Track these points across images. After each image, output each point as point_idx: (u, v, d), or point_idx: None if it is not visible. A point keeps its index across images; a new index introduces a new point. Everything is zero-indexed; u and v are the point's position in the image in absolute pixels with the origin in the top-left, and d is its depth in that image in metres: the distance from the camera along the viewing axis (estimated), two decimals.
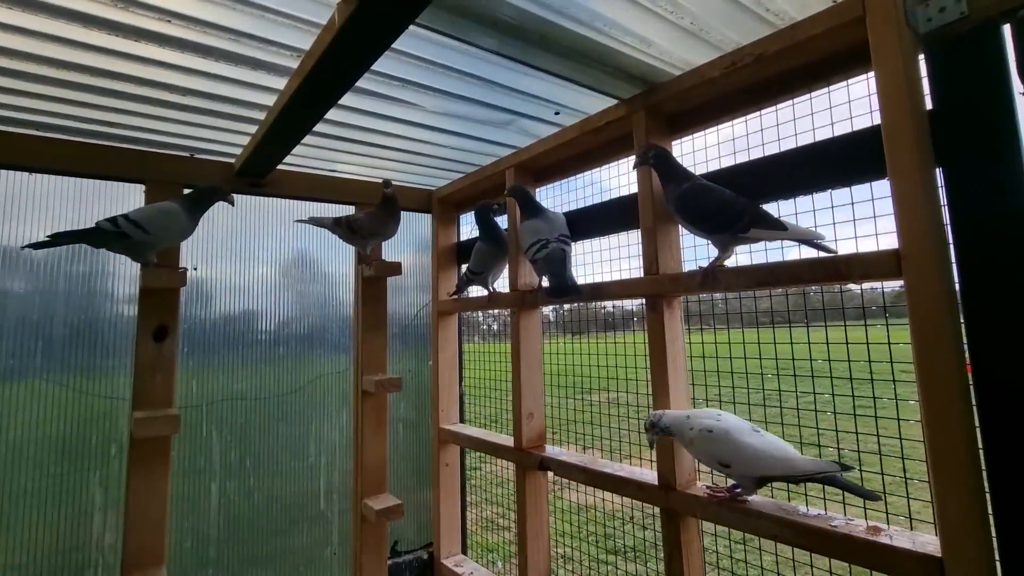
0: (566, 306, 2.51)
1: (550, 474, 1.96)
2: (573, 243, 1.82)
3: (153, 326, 1.76)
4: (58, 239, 1.50)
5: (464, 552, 2.54)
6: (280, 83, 1.46)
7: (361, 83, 1.49)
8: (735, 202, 1.32)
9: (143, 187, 1.80)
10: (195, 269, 1.99)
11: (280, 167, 2.00)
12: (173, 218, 1.61)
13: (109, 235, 1.54)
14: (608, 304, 2.15)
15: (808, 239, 1.23)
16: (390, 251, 2.44)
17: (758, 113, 1.46)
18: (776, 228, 1.25)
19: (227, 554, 2.00)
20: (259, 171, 1.95)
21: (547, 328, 2.32)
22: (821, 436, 1.34)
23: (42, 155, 1.65)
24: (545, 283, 1.85)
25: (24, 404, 1.68)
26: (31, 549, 1.65)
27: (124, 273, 1.86)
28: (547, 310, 2.28)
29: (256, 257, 2.17)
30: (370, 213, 2.05)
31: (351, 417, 2.31)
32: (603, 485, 1.69)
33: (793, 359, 1.36)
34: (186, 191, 1.76)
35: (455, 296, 2.42)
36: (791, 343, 1.36)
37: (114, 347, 1.83)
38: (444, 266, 2.56)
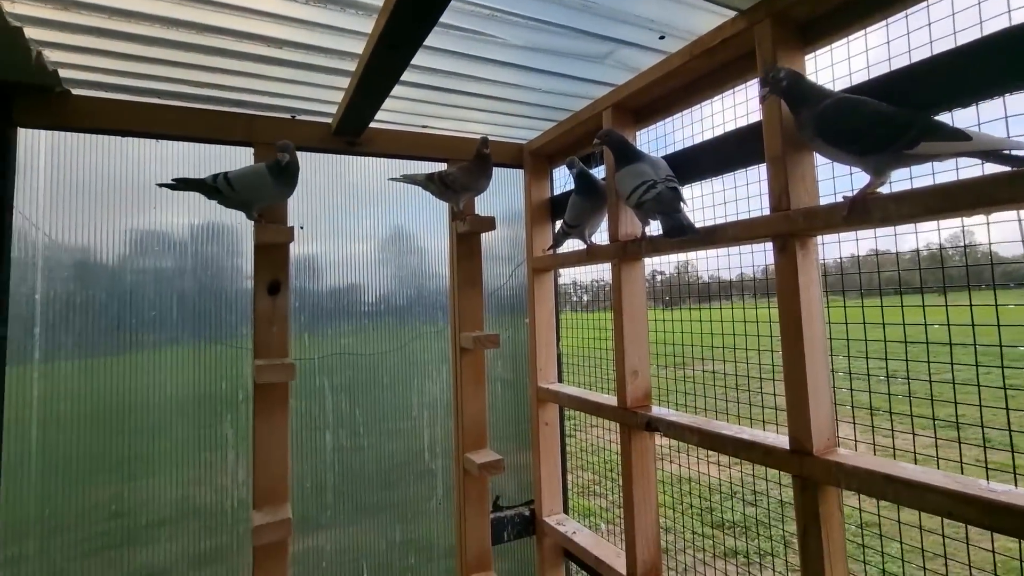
0: (658, 277, 2.34)
1: (657, 436, 1.84)
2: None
3: (267, 280, 1.86)
4: (180, 184, 1.68)
5: (565, 512, 2.52)
6: (369, 25, 1.42)
7: (447, 19, 1.41)
8: (896, 114, 1.07)
9: (252, 150, 1.89)
10: (302, 228, 2.07)
11: (374, 125, 2.01)
12: (260, 179, 1.68)
13: (210, 188, 1.67)
14: (703, 274, 1.95)
15: (1002, 149, 0.97)
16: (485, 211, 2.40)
17: (904, 13, 1.18)
18: (957, 139, 0.99)
19: (342, 499, 2.13)
20: (354, 129, 1.96)
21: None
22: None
23: (161, 121, 1.77)
24: (655, 228, 1.69)
25: (172, 362, 1.87)
26: (183, 484, 1.86)
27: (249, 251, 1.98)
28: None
29: (357, 233, 2.23)
30: (463, 167, 2.01)
31: (451, 374, 2.34)
32: (721, 448, 1.54)
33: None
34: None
35: (551, 251, 2.33)
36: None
37: (237, 304, 1.97)
38: (538, 221, 2.47)
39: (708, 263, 1.83)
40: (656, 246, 1.71)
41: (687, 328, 1.92)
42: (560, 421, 2.54)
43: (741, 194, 1.58)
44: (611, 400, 1.98)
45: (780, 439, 1.38)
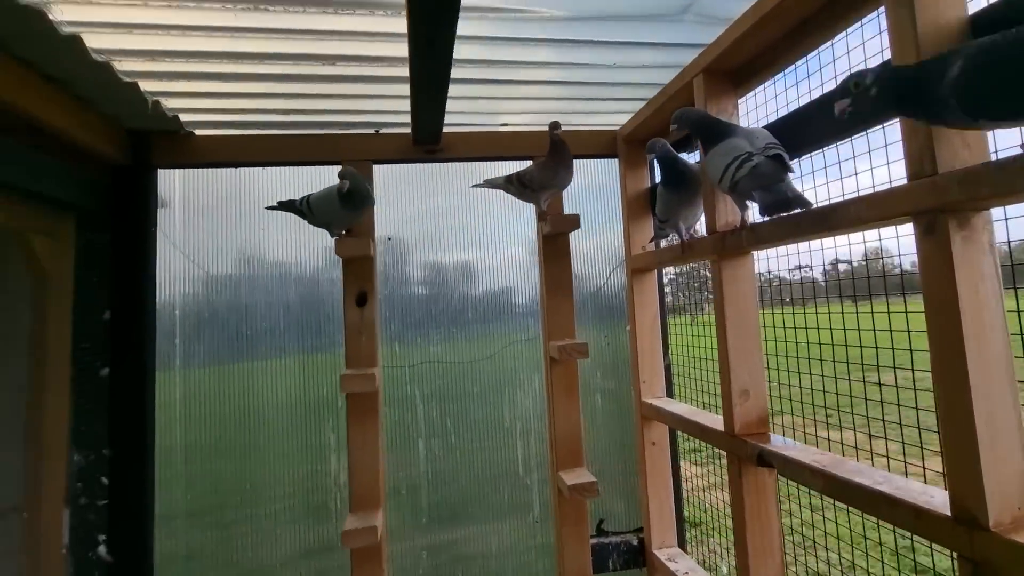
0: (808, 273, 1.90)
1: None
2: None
3: (355, 292, 1.93)
4: (280, 206, 1.86)
5: (681, 546, 2.20)
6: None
7: (495, 2, 1.30)
8: None
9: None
10: (389, 239, 2.13)
11: (451, 130, 1.98)
12: (330, 204, 1.76)
13: (298, 210, 1.80)
14: (843, 264, 1.51)
15: None
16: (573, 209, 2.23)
17: None
18: None
19: (437, 508, 2.13)
20: (430, 135, 1.95)
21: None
22: None
23: (263, 151, 1.95)
24: (754, 210, 1.37)
25: (281, 370, 2.05)
26: (291, 483, 2.02)
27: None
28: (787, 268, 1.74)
29: (446, 241, 2.23)
30: (538, 163, 1.87)
31: (544, 385, 2.21)
32: (852, 501, 1.16)
33: None
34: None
35: (651, 246, 2.07)
36: None
37: (335, 315, 2.09)
38: (636, 216, 2.20)
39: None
40: (760, 235, 1.37)
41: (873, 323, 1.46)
42: (672, 441, 2.23)
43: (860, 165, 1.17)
44: (717, 423, 1.66)
45: (936, 498, 0.98)
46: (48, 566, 1.60)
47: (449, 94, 1.48)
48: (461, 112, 1.94)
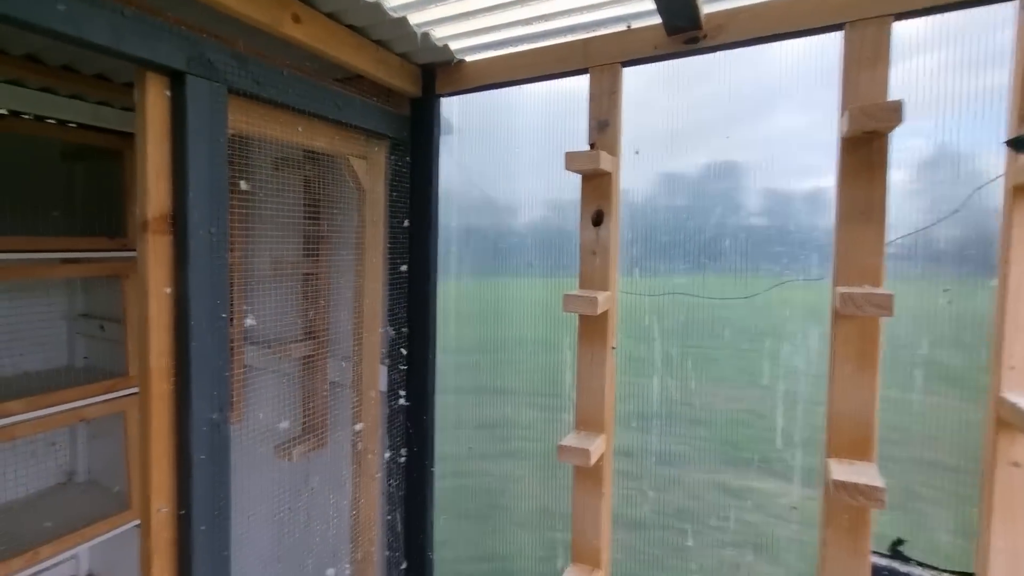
0: None
1: None
2: None
3: (592, 211, 1.83)
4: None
5: None
6: None
7: None
8: None
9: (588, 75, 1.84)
10: (636, 153, 1.89)
11: (722, 6, 1.56)
12: None
13: None
14: None
15: None
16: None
17: None
18: None
19: (666, 452, 1.95)
20: (687, 18, 1.57)
21: None
22: None
23: (522, 68, 1.97)
24: None
25: (528, 288, 2.18)
26: (531, 382, 2.19)
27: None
28: None
29: (704, 153, 1.83)
30: None
31: (829, 343, 1.66)
32: None
33: None
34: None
35: None
36: None
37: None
38: None
39: None
40: None
41: None
42: None
43: None
44: None
45: None
46: (368, 404, 2.22)
47: None
48: None
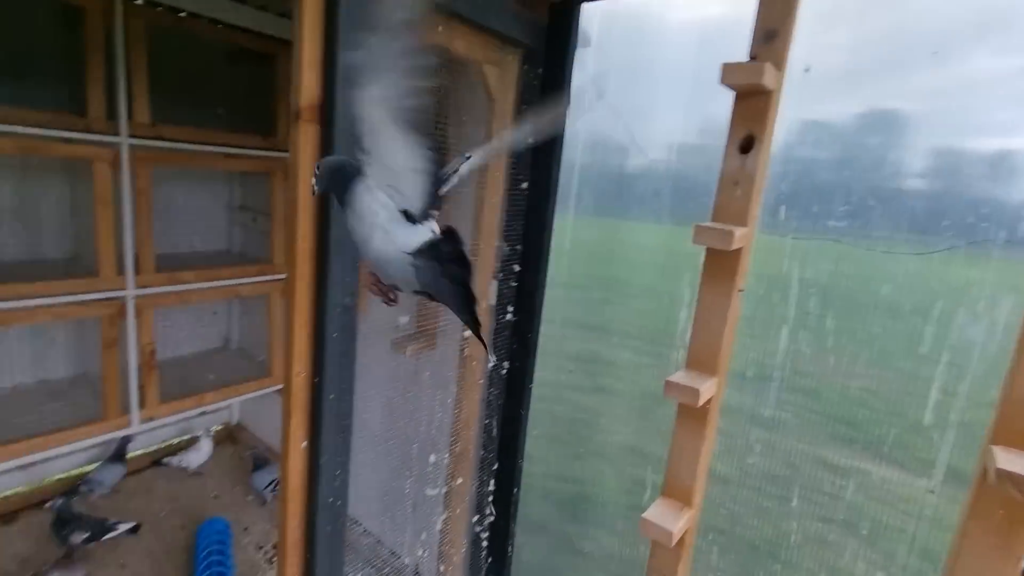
0: None
1: None
2: None
3: (741, 135, 1.63)
4: None
5: None
6: None
7: None
8: None
9: None
10: (807, 71, 1.62)
11: None
12: None
13: None
14: None
15: None
16: None
17: None
18: None
19: (784, 404, 1.81)
20: None
21: None
22: None
23: None
24: None
25: (653, 232, 2.04)
26: (634, 326, 2.11)
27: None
28: None
29: (893, 77, 1.51)
30: None
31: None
32: None
33: None
34: None
35: None
36: None
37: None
38: None
39: None
40: None
41: None
42: None
43: None
44: None
45: None
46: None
47: None
48: None
